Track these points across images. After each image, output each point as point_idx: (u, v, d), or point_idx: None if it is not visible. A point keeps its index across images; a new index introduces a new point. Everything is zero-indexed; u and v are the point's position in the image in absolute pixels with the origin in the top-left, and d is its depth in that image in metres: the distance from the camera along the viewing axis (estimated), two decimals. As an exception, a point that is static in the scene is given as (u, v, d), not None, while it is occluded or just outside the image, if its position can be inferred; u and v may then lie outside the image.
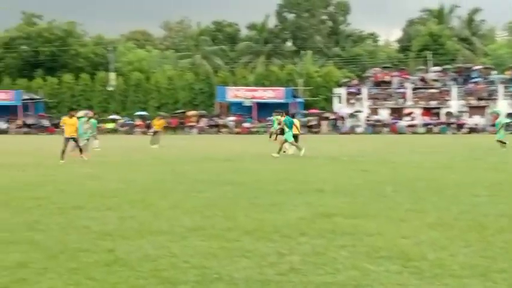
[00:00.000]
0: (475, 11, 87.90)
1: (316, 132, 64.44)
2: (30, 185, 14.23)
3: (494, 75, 69.30)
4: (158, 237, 8.04)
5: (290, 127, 25.02)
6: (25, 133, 68.41)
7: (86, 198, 11.88)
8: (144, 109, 73.77)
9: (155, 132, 35.88)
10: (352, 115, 67.43)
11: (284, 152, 25.24)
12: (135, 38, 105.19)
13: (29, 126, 71.07)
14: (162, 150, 30.86)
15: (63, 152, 22.04)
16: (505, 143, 28.52)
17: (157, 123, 36.16)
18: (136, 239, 7.94)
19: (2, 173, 17.80)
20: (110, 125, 69.23)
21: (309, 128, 65.91)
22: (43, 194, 12.54)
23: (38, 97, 75.77)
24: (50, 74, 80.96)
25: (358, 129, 64.79)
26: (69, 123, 22.70)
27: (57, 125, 69.96)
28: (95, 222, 9.18)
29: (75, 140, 23.07)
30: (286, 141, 25.10)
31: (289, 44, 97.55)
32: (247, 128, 66.61)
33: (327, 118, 66.97)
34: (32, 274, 6.30)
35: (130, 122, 70.18)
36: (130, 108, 74.99)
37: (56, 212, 10.24)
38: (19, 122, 71.35)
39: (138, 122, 69.22)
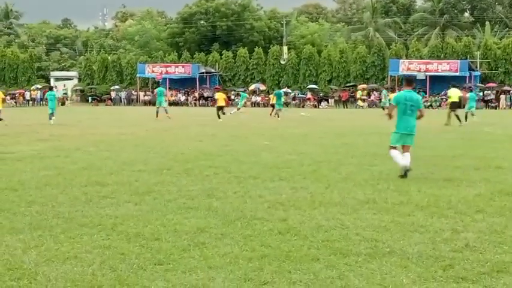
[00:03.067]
0: None
1: (494, 107, 61.48)
2: (208, 155, 14.88)
3: None
4: (330, 209, 8.13)
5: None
6: (201, 105, 71.41)
7: (261, 168, 12.23)
8: (315, 82, 74.16)
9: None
10: (535, 89, 63.52)
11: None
12: (308, 12, 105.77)
13: (205, 98, 74.04)
14: (333, 123, 30.89)
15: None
16: None
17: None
18: (308, 210, 8.08)
19: (182, 143, 18.74)
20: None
21: (486, 103, 63.00)
22: (221, 163, 13.07)
23: (214, 71, 78.63)
24: (225, 48, 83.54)
25: (543, 105, 60.96)
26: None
27: (230, 98, 72.35)
28: (269, 191, 9.45)
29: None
30: None
31: (466, 14, 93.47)
32: (420, 102, 64.94)
33: (506, 92, 63.57)
34: (210, 239, 6.61)
35: (301, 95, 70.90)
36: (302, 82, 75.66)
37: (232, 180, 10.65)
38: (196, 94, 74.53)
39: (309, 95, 69.77)
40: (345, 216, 7.64)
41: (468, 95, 33.98)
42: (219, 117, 32.94)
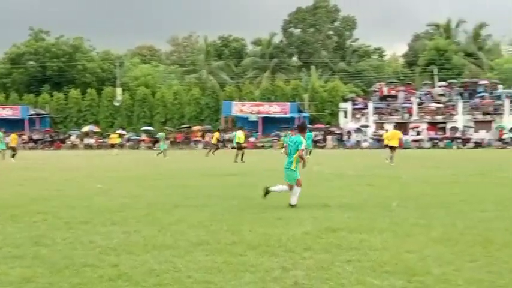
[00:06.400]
0: (481, 25, 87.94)
1: (321, 147, 64.40)
2: (36, 200, 14.25)
3: (501, 89, 69.37)
4: (163, 252, 8.05)
5: None
6: (31, 148, 68.60)
7: (93, 213, 11.90)
8: (150, 124, 73.95)
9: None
10: (358, 130, 67.42)
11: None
12: (142, 53, 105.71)
13: (35, 141, 71.30)
14: (169, 165, 30.89)
15: None
16: None
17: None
18: (140, 254, 7.94)
19: (8, 188, 17.84)
20: (116, 140, 69.38)
21: (315, 143, 65.88)
22: (50, 208, 12.56)
23: (44, 112, 76.10)
24: (56, 89, 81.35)
25: (364, 144, 64.74)
26: None
27: (63, 140, 70.16)
28: (100, 237, 9.19)
29: None
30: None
31: (294, 59, 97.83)
32: (253, 142, 66.72)
33: (332, 133, 66.95)
34: (36, 289, 6.30)
35: (136, 137, 70.36)
36: (136, 123, 75.17)
37: (62, 226, 10.26)
38: (25, 137, 71.57)
39: (143, 137, 69.39)
40: (177, 259, 7.59)
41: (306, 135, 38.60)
42: (13, 156, 35.93)
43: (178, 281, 6.55)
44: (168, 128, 70.12)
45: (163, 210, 12.22)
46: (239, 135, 34.24)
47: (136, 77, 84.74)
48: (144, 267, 7.19)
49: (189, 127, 70.81)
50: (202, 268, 7.12)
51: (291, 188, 13.06)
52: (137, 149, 65.88)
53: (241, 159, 32.27)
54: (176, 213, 11.76)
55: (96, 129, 73.29)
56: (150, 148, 65.59)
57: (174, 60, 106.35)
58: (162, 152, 39.90)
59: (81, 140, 71.04)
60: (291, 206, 12.67)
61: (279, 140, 65.24)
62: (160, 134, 42.25)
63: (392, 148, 29.89)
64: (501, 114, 64.88)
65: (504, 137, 62.11)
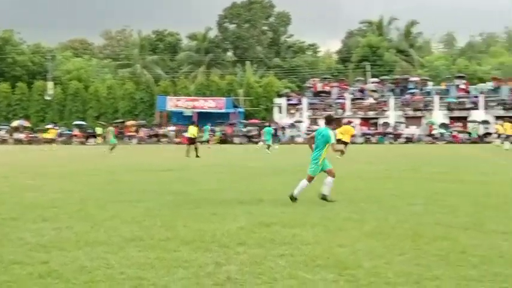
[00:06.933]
0: (412, 23, 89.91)
1: (256, 142, 64.61)
2: (-38, 196, 13.85)
3: (430, 86, 71.15)
4: (95, 248, 7.92)
5: None
6: (-42, 143, 66.58)
7: (23, 209, 11.62)
8: (82, 119, 72.71)
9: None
10: (292, 125, 67.96)
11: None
12: (74, 47, 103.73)
13: (-38, 136, 69.20)
14: (103, 160, 30.47)
15: None
16: None
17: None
18: (72, 250, 7.80)
19: None
20: (48, 135, 67.89)
21: (249, 138, 66.09)
22: (-23, 205, 12.23)
23: (-28, 106, 73.95)
24: (-15, 82, 79.11)
25: (298, 139, 65.30)
26: None
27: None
28: (30, 233, 8.98)
29: None
30: None
31: (229, 54, 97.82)
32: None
33: (268, 128, 67.26)
34: (-38, 288, 6.13)
35: (68, 131, 69.04)
36: (68, 118, 73.76)
37: (-11, 223, 10.00)
38: (-49, 131, 69.38)
39: (76, 131, 68.16)
40: (110, 255, 7.49)
41: (265, 129, 42.99)
42: None
43: (110, 278, 6.46)
44: (101, 123, 69.16)
45: (97, 206, 12.05)
46: (192, 131, 34.06)
47: (68, 70, 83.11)
48: (75, 264, 7.06)
49: (123, 122, 69.95)
50: (135, 264, 7.05)
51: (310, 180, 13.00)
52: (70, 144, 64.67)
53: (191, 154, 32.11)
54: (110, 209, 11.61)
55: (26, 123, 71.58)
56: (82, 143, 64.53)
57: (107, 54, 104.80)
58: (114, 147, 38.05)
59: (11, 134, 69.27)
60: (323, 197, 12.70)
61: (214, 135, 65.23)
62: (110, 128, 40.82)
63: (344, 143, 31.75)
64: (431, 110, 66.53)
65: (434, 132, 63.71)
